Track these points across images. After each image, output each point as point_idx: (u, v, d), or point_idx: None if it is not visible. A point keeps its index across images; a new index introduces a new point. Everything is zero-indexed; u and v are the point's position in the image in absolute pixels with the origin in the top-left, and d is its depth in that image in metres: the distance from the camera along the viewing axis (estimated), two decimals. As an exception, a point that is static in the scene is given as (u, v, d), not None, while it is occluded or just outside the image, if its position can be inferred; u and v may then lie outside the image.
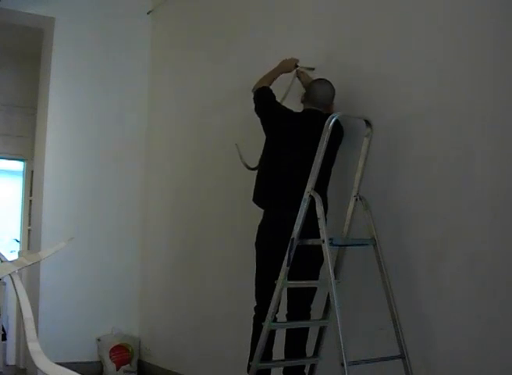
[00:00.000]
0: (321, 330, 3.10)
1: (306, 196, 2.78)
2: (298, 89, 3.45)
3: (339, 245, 2.97)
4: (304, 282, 3.04)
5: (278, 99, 3.39)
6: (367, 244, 2.86)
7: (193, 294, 4.60)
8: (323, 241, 2.67)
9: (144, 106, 5.48)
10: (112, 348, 5.07)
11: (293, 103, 3.36)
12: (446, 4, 2.79)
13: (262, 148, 3.31)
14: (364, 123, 2.94)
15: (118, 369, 5.05)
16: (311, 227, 2.76)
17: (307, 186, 2.79)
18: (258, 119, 3.36)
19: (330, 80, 3.20)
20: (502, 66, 2.53)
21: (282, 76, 3.47)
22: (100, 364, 5.10)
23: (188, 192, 4.81)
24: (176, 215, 4.97)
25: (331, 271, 2.64)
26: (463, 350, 2.60)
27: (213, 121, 4.54)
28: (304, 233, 2.81)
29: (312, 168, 2.80)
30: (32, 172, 5.65)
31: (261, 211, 3.23)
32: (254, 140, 3.60)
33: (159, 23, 5.45)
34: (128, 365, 5.12)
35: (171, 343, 4.86)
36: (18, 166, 6.85)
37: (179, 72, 5.06)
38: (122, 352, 5.10)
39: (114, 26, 5.35)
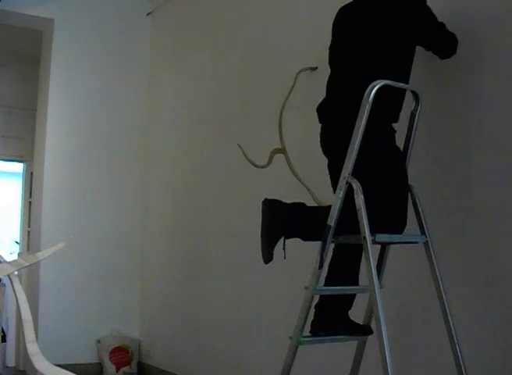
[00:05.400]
0: (361, 346, 2.62)
1: (342, 183, 2.30)
2: (299, 90, 3.44)
3: (384, 243, 2.48)
4: (340, 288, 2.51)
5: (280, 101, 3.36)
6: (417, 242, 2.44)
7: (193, 296, 4.59)
8: (364, 238, 2.22)
9: (144, 107, 5.47)
10: (112, 350, 5.06)
11: (294, 105, 3.35)
12: (446, 4, 2.79)
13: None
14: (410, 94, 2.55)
15: (117, 370, 5.04)
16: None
17: (343, 171, 2.30)
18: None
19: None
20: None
21: (283, 76, 3.45)
22: (99, 366, 5.09)
23: (188, 193, 4.80)
24: (175, 216, 4.96)
25: (374, 275, 2.18)
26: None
27: (213, 121, 4.53)
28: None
29: (349, 150, 2.30)
30: (32, 173, 5.65)
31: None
32: (255, 140, 3.59)
33: (159, 25, 5.45)
34: (128, 366, 5.11)
35: (171, 345, 4.85)
36: (18, 167, 6.84)
37: (179, 73, 5.05)
38: (121, 354, 5.09)
39: (113, 28, 5.36)
